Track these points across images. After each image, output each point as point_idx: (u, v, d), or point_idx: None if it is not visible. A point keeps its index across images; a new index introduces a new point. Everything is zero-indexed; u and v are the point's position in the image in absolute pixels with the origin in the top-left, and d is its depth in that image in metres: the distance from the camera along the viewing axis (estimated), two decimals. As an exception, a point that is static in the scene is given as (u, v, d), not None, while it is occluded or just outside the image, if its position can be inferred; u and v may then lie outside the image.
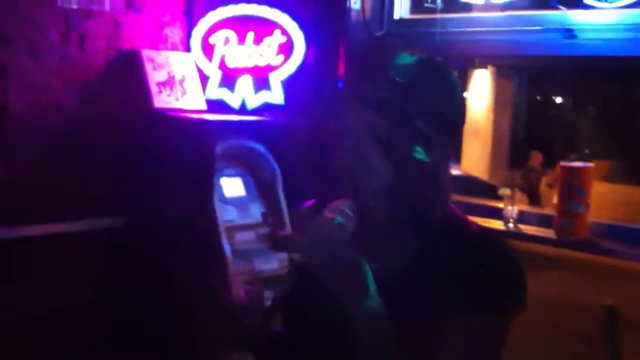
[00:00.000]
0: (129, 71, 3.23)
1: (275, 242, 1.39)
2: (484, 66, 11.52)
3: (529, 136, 11.97)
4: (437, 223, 1.27)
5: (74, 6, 3.10)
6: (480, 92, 12.06)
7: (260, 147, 3.11)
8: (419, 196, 1.26)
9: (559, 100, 12.41)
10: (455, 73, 1.33)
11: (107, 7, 3.19)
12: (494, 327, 1.23)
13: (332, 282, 1.17)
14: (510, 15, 3.07)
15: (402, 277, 1.24)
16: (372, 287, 1.18)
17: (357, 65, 1.34)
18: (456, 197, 3.36)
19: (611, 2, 2.72)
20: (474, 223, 1.32)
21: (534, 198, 5.93)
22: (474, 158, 11.96)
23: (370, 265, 1.19)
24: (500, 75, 12.01)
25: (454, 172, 10.64)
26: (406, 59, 1.27)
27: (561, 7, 2.86)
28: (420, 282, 1.22)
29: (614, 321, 2.53)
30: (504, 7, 3.08)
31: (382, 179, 1.23)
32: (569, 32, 2.85)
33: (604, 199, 4.22)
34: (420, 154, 1.23)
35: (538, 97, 12.31)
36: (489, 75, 11.92)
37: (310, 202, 1.45)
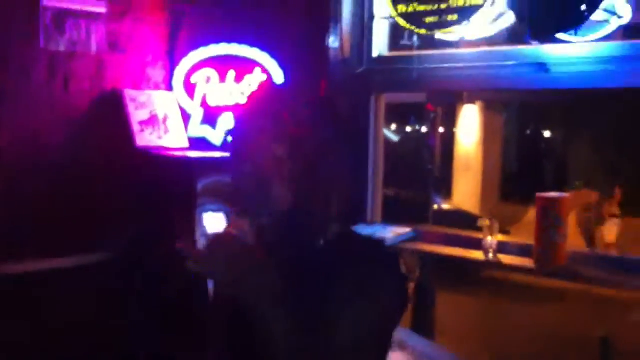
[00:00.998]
0: (112, 111, 3.30)
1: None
2: (472, 102, 11.66)
3: (518, 169, 12.07)
4: (328, 241, 1.40)
5: (60, 48, 3.16)
6: (469, 126, 12.18)
7: (242, 183, 3.15)
8: (311, 217, 1.40)
9: (547, 134, 12.54)
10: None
11: (92, 48, 3.26)
12: (386, 328, 1.38)
13: (224, 282, 1.34)
14: (486, 51, 3.15)
15: (295, 284, 1.33)
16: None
17: (262, 102, 1.45)
18: (438, 230, 3.37)
19: (582, 37, 2.79)
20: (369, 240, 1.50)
21: (591, 239, 5.77)
22: (465, 192, 12.03)
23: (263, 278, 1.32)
24: (489, 110, 12.14)
25: (446, 206, 10.70)
26: (299, 102, 1.42)
27: (534, 42, 2.93)
28: (309, 298, 1.32)
29: (608, 352, 2.54)
30: (479, 44, 3.16)
31: (276, 203, 1.37)
32: (542, 66, 2.91)
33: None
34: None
35: (527, 131, 12.44)
36: (477, 110, 12.05)
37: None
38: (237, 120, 1.48)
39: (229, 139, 1.54)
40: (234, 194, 1.42)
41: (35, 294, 3.08)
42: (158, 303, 3.02)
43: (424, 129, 12.91)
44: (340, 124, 1.45)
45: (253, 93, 1.56)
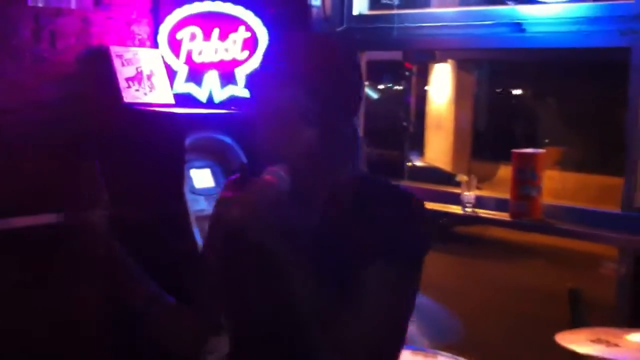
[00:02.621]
0: (98, 67, 3.32)
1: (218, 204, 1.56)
2: (444, 60, 11.74)
3: (489, 127, 12.21)
4: (356, 181, 1.45)
5: (45, 4, 3.17)
6: (441, 85, 12.28)
7: (227, 139, 3.22)
8: (339, 159, 1.45)
9: (517, 92, 12.66)
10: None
11: (77, 5, 3.27)
12: (408, 270, 1.39)
13: (265, 236, 1.35)
14: (464, 11, 3.24)
15: (323, 229, 1.40)
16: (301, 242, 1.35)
17: (272, 49, 1.49)
18: (417, 185, 3.49)
19: (558, -3, 2.89)
20: (389, 182, 1.49)
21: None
22: (437, 149, 12.18)
23: (298, 219, 1.38)
24: (461, 69, 12.24)
25: (418, 163, 10.84)
26: (304, 38, 1.50)
27: (510, 2, 3.02)
28: (338, 233, 1.38)
29: (577, 303, 2.62)
30: (457, 4, 3.24)
31: (304, 148, 1.40)
32: (518, 26, 3.00)
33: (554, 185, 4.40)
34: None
35: (498, 90, 12.55)
36: (449, 68, 12.14)
37: (234, 176, 1.61)
38: (257, 72, 1.46)
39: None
40: (259, 148, 1.44)
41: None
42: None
43: (399, 87, 12.97)
44: (357, 69, 1.48)
45: (270, 44, 1.57)
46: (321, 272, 1.34)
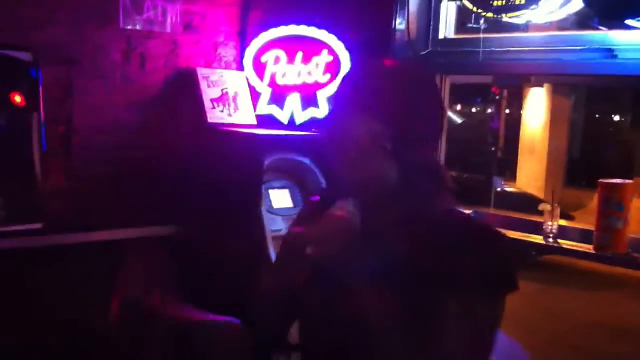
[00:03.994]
0: (185, 89, 3.42)
1: (287, 238, 1.52)
2: (540, 84, 11.47)
3: (584, 154, 11.82)
4: (438, 215, 1.40)
5: (137, 27, 3.30)
6: (536, 109, 12.00)
7: (307, 161, 3.23)
8: (420, 193, 1.39)
9: (615, 118, 12.21)
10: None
11: (167, 28, 3.38)
12: (490, 307, 1.34)
13: (341, 273, 1.32)
14: (552, 36, 3.15)
15: (404, 267, 1.35)
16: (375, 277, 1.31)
17: (352, 78, 1.45)
18: (501, 213, 3.41)
19: (651, 23, 2.77)
20: (471, 217, 1.46)
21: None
22: (530, 175, 11.89)
23: (375, 257, 1.33)
24: (557, 93, 11.92)
25: (509, 189, 10.55)
26: (384, 67, 1.43)
27: (602, 28, 2.92)
28: (420, 271, 1.33)
29: None
30: (546, 28, 3.16)
31: (383, 181, 1.37)
32: (610, 52, 2.90)
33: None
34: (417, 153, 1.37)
35: (594, 116, 12.15)
36: (545, 93, 11.85)
37: (316, 198, 1.58)
38: (335, 100, 1.44)
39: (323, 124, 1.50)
40: (337, 177, 1.41)
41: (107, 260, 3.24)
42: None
43: (489, 110, 12.76)
44: (437, 98, 1.45)
45: (350, 72, 1.50)
46: (401, 310, 1.31)
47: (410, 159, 1.36)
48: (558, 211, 3.01)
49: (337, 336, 1.42)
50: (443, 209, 1.42)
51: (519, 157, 12.10)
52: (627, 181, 2.84)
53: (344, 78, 1.44)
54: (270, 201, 3.19)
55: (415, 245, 1.35)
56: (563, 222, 3.08)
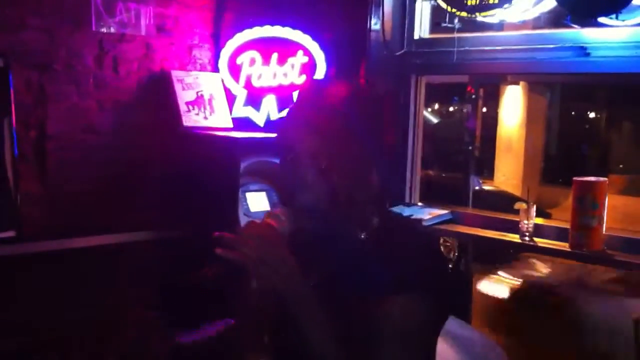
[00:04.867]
0: (159, 91, 3.39)
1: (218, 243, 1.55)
2: (516, 82, 11.53)
3: (560, 151, 11.90)
4: (373, 227, 1.44)
5: (110, 30, 3.26)
6: (512, 107, 12.05)
7: (283, 163, 3.22)
8: (348, 212, 1.43)
9: (591, 116, 12.31)
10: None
11: (140, 31, 3.35)
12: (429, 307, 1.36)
13: (262, 275, 1.33)
14: (526, 34, 3.16)
15: (329, 283, 1.38)
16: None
17: (302, 96, 1.49)
18: (477, 212, 3.40)
19: (623, 20, 2.79)
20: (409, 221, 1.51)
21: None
22: (507, 173, 11.94)
23: (305, 264, 1.35)
24: (533, 91, 12.00)
25: (487, 188, 10.60)
26: (336, 91, 1.44)
27: (575, 26, 2.94)
28: (345, 288, 1.36)
29: None
30: (520, 27, 3.17)
31: (314, 196, 1.40)
32: (582, 50, 2.92)
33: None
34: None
35: (570, 113, 12.24)
36: (521, 91, 11.92)
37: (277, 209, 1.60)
38: (288, 112, 1.49)
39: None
40: (281, 182, 1.47)
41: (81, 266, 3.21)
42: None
43: (465, 109, 12.80)
44: (376, 114, 1.47)
45: (302, 85, 1.59)
46: (337, 316, 1.33)
47: (344, 178, 1.39)
48: (534, 209, 3.02)
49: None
50: (374, 227, 1.46)
51: (496, 156, 12.14)
52: (601, 179, 2.84)
53: (300, 91, 1.51)
54: (247, 204, 3.17)
55: (338, 264, 1.39)
56: (539, 220, 3.09)
